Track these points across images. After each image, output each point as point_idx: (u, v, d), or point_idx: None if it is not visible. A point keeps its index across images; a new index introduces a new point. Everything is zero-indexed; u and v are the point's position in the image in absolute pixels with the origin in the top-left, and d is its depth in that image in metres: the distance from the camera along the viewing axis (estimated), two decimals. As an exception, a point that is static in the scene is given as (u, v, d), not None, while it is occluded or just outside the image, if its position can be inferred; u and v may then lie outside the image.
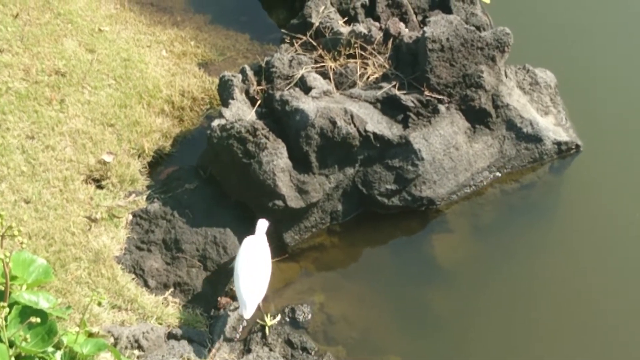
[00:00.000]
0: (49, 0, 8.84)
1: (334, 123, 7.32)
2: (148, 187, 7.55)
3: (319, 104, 7.50)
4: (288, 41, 8.39)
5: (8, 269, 5.02)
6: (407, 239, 7.73)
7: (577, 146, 8.17)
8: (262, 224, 6.96)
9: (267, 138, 7.25)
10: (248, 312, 6.52)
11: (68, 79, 8.02)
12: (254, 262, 6.66)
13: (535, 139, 8.01)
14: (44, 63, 8.09)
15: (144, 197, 7.35)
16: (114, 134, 7.74)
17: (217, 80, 8.25)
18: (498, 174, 7.98)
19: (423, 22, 8.58)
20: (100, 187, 7.37)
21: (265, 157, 7.15)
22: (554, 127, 8.19)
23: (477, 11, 8.68)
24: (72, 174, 7.30)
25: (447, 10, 8.66)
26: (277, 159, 7.18)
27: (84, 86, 8.01)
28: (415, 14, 8.71)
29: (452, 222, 7.72)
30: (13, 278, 5.25)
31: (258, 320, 6.86)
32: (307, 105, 7.43)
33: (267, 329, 6.80)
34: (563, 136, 8.14)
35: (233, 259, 6.98)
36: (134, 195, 7.35)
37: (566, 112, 8.43)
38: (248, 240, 6.81)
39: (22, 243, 5.25)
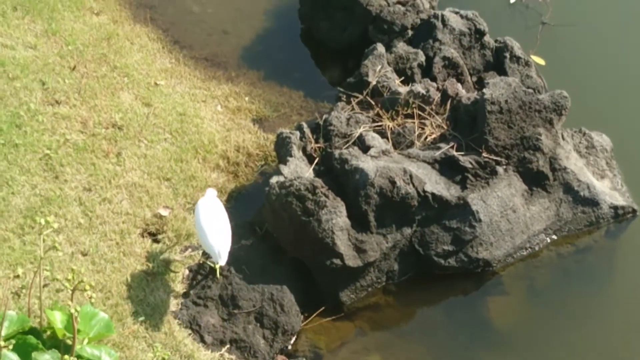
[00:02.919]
0: (105, 53, 8.93)
1: (393, 183, 7.30)
2: (204, 242, 7.54)
3: (378, 163, 7.49)
4: (344, 99, 8.42)
5: (76, 323, 5.04)
6: (463, 300, 7.68)
7: (634, 211, 8.13)
8: (211, 192, 7.23)
9: (327, 196, 7.23)
10: (223, 260, 6.89)
11: (125, 132, 8.07)
12: (215, 217, 6.97)
13: (592, 202, 7.97)
14: (100, 116, 8.15)
15: (200, 251, 7.34)
16: (170, 188, 7.76)
17: (271, 137, 8.28)
18: (554, 236, 7.94)
19: (478, 83, 8.61)
20: (156, 241, 7.37)
21: (325, 216, 7.13)
22: (610, 191, 8.15)
23: (532, 73, 8.73)
24: (128, 227, 7.31)
25: (502, 71, 8.70)
26: (336, 218, 7.15)
27: (140, 140, 8.05)
28: (470, 74, 8.73)
29: (508, 285, 7.68)
30: (76, 331, 5.28)
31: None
32: (367, 164, 7.43)
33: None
34: (619, 200, 8.10)
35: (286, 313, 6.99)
36: (190, 249, 7.34)
37: (622, 176, 8.39)
38: (202, 201, 7.09)
39: (90, 297, 5.28)
